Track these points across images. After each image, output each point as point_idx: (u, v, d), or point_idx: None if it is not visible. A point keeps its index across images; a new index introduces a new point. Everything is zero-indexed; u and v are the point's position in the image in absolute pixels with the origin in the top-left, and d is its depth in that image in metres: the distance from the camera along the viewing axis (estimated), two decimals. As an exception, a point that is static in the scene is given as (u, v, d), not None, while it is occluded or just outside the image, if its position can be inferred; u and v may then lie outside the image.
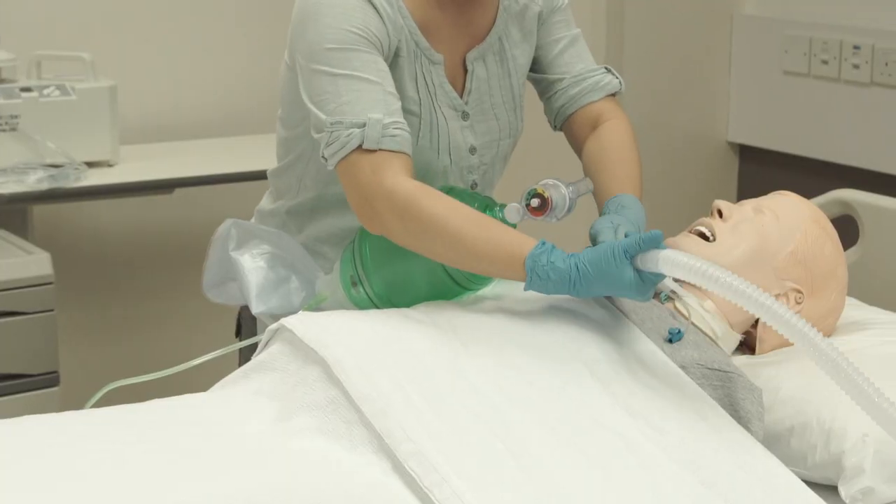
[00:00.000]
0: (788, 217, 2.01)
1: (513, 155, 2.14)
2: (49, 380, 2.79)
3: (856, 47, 3.33)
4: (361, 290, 1.88)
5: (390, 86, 1.89)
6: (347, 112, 1.86)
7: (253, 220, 2.21)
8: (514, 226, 1.83)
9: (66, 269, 3.18)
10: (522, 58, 2.09)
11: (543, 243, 1.76)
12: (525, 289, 1.77)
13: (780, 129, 3.60)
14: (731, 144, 3.77)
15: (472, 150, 2.04)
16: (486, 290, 1.89)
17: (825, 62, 3.42)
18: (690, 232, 2.01)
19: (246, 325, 2.26)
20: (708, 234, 1.99)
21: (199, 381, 1.94)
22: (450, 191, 1.86)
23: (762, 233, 1.98)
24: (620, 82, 2.15)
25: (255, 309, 2.02)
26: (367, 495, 1.51)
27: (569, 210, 1.85)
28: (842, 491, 1.69)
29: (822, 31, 3.42)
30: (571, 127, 2.14)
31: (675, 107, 3.68)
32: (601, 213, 1.94)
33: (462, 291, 1.87)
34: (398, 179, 1.84)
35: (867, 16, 3.34)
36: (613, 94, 2.16)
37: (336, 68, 1.87)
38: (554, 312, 1.83)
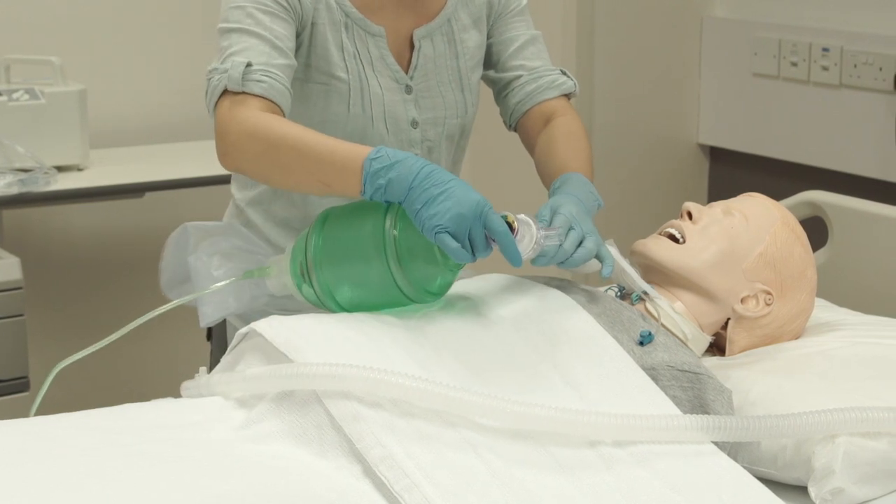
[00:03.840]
0: (758, 219, 2.02)
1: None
2: (19, 385, 2.78)
3: (825, 49, 3.35)
4: (307, 278, 1.83)
5: (284, 42, 1.96)
6: (228, 61, 1.94)
7: (225, 217, 2.22)
8: None
9: (35, 273, 3.18)
10: (471, 42, 2.13)
11: (381, 148, 1.79)
12: (360, 193, 1.79)
13: (750, 131, 3.61)
14: (702, 146, 3.78)
15: (415, 123, 2.08)
16: (456, 294, 1.88)
17: (794, 64, 3.43)
18: (660, 234, 2.02)
19: (217, 328, 2.26)
20: (678, 235, 1.99)
21: (170, 385, 1.93)
22: None
23: (731, 235, 1.99)
24: (575, 84, 2.20)
25: (204, 322, 2.02)
26: (338, 500, 1.51)
27: (535, 254, 1.78)
28: (812, 491, 1.70)
29: (792, 33, 3.43)
30: (525, 124, 2.19)
31: (645, 109, 3.69)
32: (549, 196, 1.96)
33: (407, 302, 1.82)
34: (252, 112, 1.90)
35: (836, 18, 3.35)
36: (568, 96, 2.20)
37: (232, 23, 1.97)
38: (525, 315, 1.83)
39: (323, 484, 1.54)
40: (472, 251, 1.74)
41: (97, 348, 1.82)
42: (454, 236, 1.72)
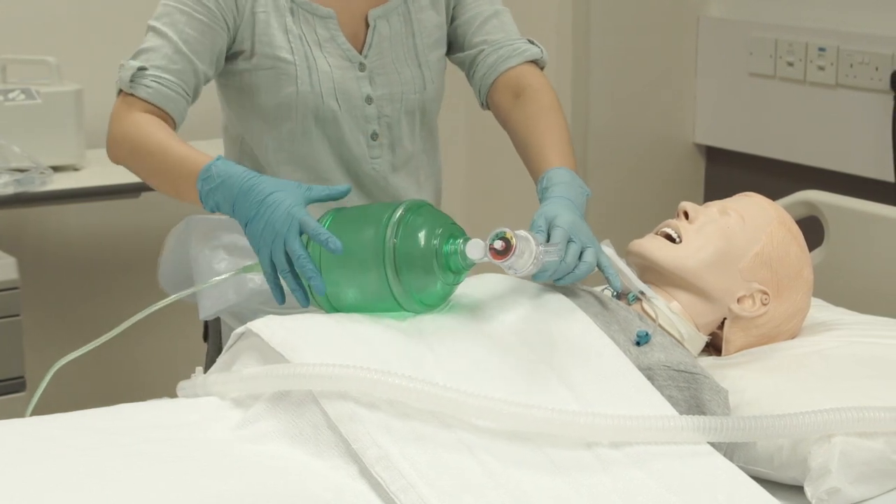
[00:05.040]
0: (754, 218, 2.02)
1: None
2: (15, 385, 2.78)
3: (821, 49, 3.35)
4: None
5: (191, 46, 2.02)
6: (133, 59, 2.02)
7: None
8: (472, 263, 1.77)
9: (31, 273, 3.17)
10: (428, 22, 2.16)
11: (211, 165, 1.86)
12: (199, 197, 1.87)
13: (746, 131, 3.61)
14: (698, 146, 3.78)
15: (369, 99, 2.11)
16: (453, 294, 1.87)
17: (790, 64, 3.43)
18: (656, 234, 2.01)
19: (213, 328, 2.26)
20: (674, 235, 1.99)
21: (167, 384, 1.93)
22: (419, 207, 1.81)
23: (728, 234, 1.99)
24: (542, 51, 2.21)
25: (203, 314, 2.04)
26: (334, 500, 1.51)
27: (536, 269, 1.73)
28: (808, 491, 1.70)
29: (788, 33, 3.43)
30: (494, 97, 2.20)
31: (641, 109, 3.69)
32: (537, 194, 1.97)
33: (403, 311, 1.81)
34: (132, 114, 2.00)
35: (832, 18, 3.35)
36: (536, 63, 2.21)
37: (154, 21, 2.04)
38: (521, 316, 1.83)
39: (319, 484, 1.54)
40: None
41: (95, 346, 1.83)
42: (273, 257, 1.79)
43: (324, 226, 1.82)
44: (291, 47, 2.06)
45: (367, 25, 2.11)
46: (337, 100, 2.08)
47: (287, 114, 2.08)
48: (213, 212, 1.88)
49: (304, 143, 2.10)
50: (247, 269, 1.89)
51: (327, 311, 1.84)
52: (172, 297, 1.88)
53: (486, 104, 2.23)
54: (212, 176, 1.86)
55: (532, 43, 2.21)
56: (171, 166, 1.93)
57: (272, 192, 1.80)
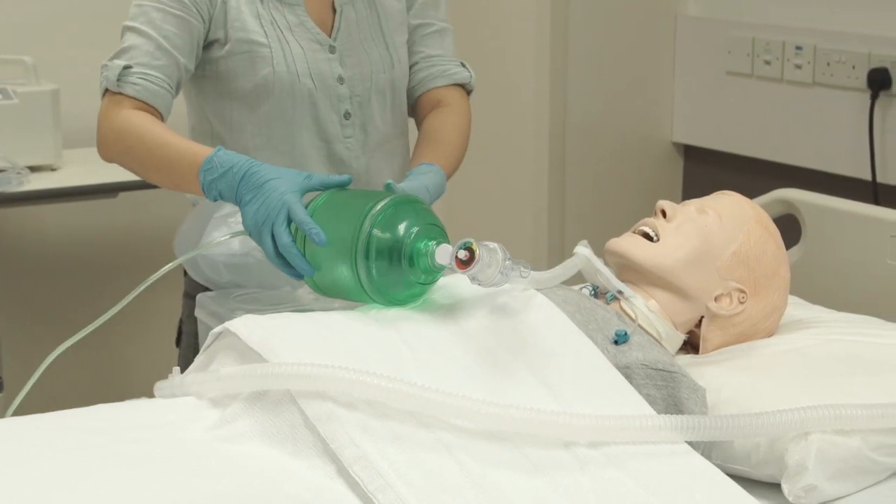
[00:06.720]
0: (732, 217, 2.02)
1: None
2: (-7, 386, 2.77)
3: (798, 48, 3.35)
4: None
5: (171, 41, 2.07)
6: (112, 61, 2.07)
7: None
8: (442, 267, 1.77)
9: (9, 274, 3.16)
10: (391, 7, 2.24)
11: (213, 156, 1.90)
12: (202, 188, 1.91)
13: (724, 130, 3.61)
14: (676, 145, 3.79)
15: (341, 79, 2.17)
16: (431, 292, 1.87)
17: (768, 63, 3.44)
18: (634, 232, 2.02)
19: (187, 331, 2.26)
20: (652, 234, 2.00)
21: (144, 385, 1.93)
22: (413, 202, 1.82)
23: (705, 233, 1.99)
24: (471, 76, 2.30)
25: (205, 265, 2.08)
26: (313, 500, 1.51)
27: (505, 281, 1.73)
28: (785, 488, 1.70)
29: (765, 31, 3.44)
30: (416, 110, 2.31)
31: (619, 108, 3.69)
32: None
33: (367, 299, 1.82)
34: (123, 111, 2.04)
35: (809, 17, 3.36)
36: (463, 87, 2.30)
37: (130, 21, 2.09)
38: (499, 314, 1.83)
39: (295, 484, 1.54)
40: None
41: (92, 329, 1.87)
42: (261, 239, 1.83)
43: (316, 205, 1.85)
44: (265, 31, 2.12)
45: (334, 11, 2.18)
46: (312, 80, 2.15)
47: (265, 95, 2.14)
48: (215, 201, 1.93)
49: (281, 126, 2.16)
50: (243, 233, 1.93)
51: (315, 291, 1.89)
52: (172, 264, 1.90)
53: (410, 112, 2.32)
54: (214, 166, 1.90)
55: (463, 66, 2.30)
56: (172, 160, 1.98)
57: (271, 178, 1.85)
